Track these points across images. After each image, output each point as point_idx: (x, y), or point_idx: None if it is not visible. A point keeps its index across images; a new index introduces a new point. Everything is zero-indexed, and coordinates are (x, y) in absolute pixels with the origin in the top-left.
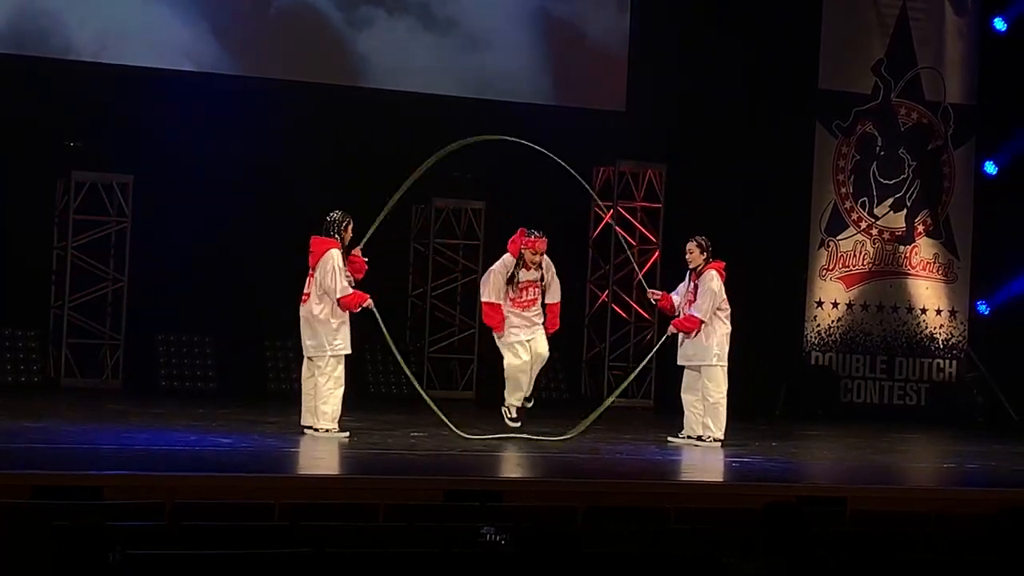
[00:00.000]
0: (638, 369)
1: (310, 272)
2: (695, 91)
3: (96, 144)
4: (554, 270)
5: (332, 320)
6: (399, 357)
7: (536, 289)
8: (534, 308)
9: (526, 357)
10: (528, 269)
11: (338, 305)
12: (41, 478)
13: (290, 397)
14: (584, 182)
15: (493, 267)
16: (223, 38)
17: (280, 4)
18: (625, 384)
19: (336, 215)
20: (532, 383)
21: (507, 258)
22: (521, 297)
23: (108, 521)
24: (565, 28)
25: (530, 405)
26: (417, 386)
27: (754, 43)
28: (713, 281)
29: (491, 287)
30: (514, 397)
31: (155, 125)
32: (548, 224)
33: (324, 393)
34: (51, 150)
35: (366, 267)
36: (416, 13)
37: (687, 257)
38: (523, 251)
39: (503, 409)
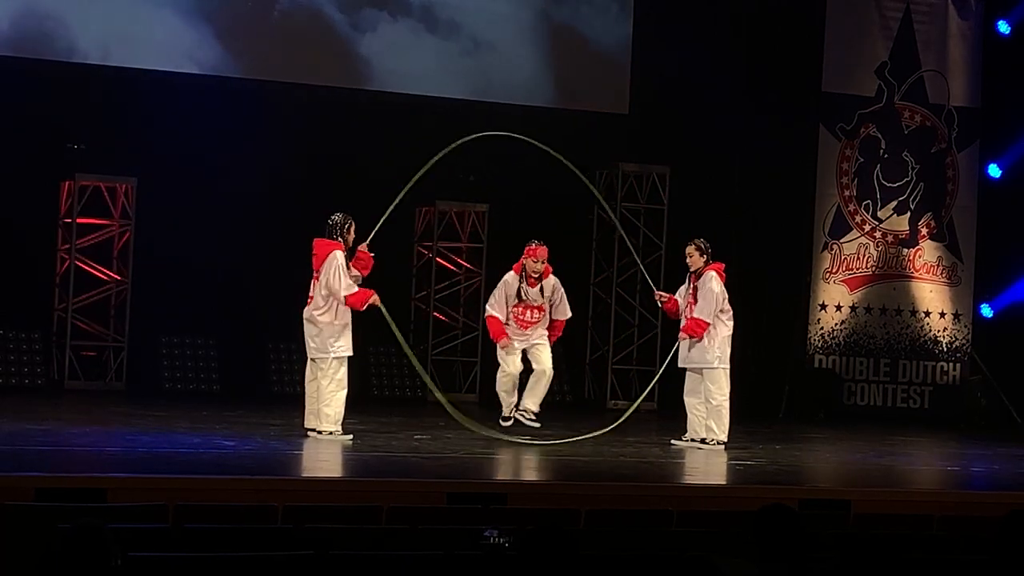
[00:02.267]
0: (659, 373)
1: (314, 275)
2: (698, 93)
3: (100, 147)
4: (563, 291)
5: (335, 323)
6: (413, 360)
7: (540, 312)
8: (533, 329)
9: (512, 369)
10: (532, 285)
11: (344, 304)
12: (44, 480)
13: (293, 399)
14: (588, 183)
15: (497, 286)
16: (226, 41)
17: (283, 7)
18: (648, 389)
19: (338, 217)
20: (539, 394)
21: (509, 276)
22: (524, 316)
23: (111, 523)
24: (567, 31)
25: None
26: (434, 389)
27: (757, 45)
28: (713, 282)
29: (492, 301)
30: (505, 406)
31: (159, 128)
32: (551, 226)
33: (326, 396)
34: (55, 153)
35: (373, 262)
36: (419, 16)
37: (687, 260)
38: (524, 263)
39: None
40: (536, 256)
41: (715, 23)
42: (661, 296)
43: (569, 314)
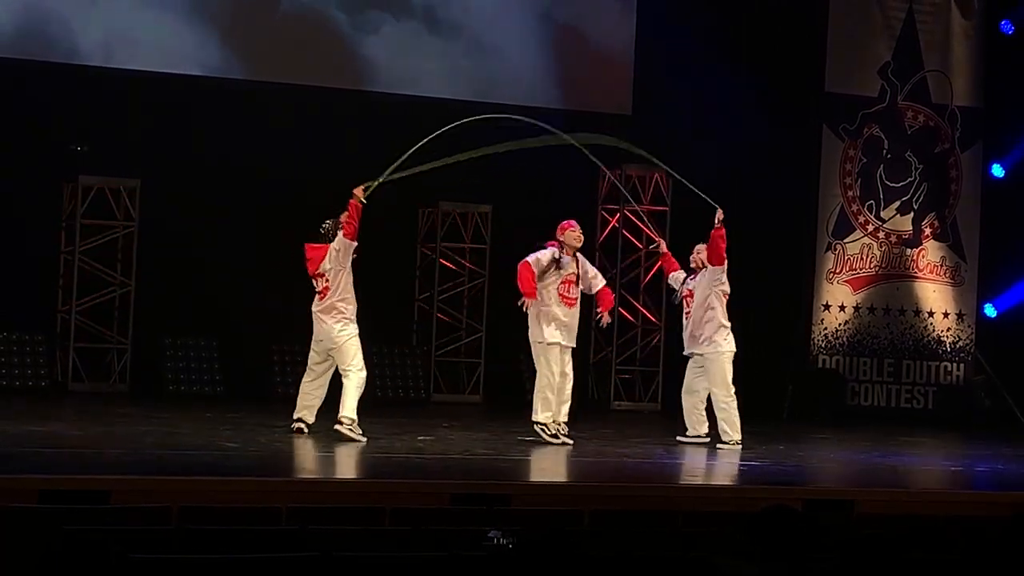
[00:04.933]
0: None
1: (319, 276)
2: (700, 94)
3: (103, 148)
4: (588, 263)
5: (345, 310)
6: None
7: (575, 288)
8: (575, 308)
9: (558, 370)
10: (569, 254)
11: (351, 239)
12: (47, 482)
13: (296, 400)
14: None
15: (536, 255)
16: (230, 42)
17: (286, 8)
18: None
19: (329, 224)
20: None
21: (545, 253)
22: (568, 292)
23: (114, 525)
24: (570, 32)
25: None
26: None
27: (760, 46)
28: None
29: (533, 261)
30: (544, 415)
31: (162, 129)
32: (553, 228)
33: (350, 387)
34: (58, 154)
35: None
36: (422, 17)
37: (694, 256)
38: (563, 239)
39: (537, 429)
40: (573, 227)
41: (718, 24)
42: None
43: (604, 282)
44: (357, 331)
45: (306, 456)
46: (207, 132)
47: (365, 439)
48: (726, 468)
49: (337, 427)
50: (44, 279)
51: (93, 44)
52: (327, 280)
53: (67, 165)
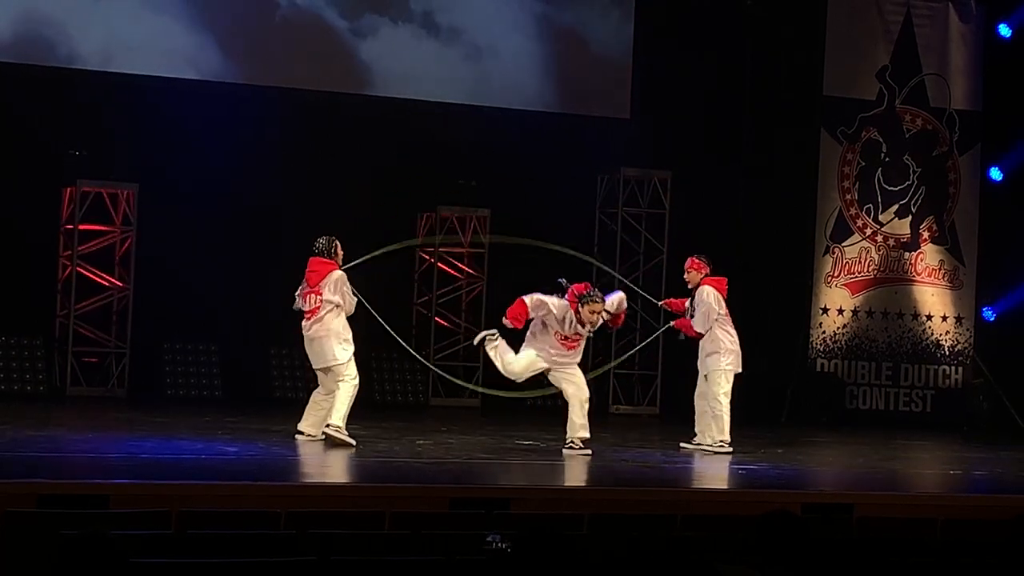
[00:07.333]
0: (648, 340)
1: (310, 290)
2: (699, 97)
3: (101, 153)
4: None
5: (342, 329)
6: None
7: (583, 341)
8: (575, 352)
9: (518, 372)
10: (583, 325)
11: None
12: (46, 487)
13: (295, 404)
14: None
15: (546, 300)
16: (228, 47)
17: (285, 13)
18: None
19: (323, 241)
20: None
21: (562, 304)
22: (568, 339)
23: (113, 530)
24: (569, 36)
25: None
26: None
27: (759, 50)
28: (706, 295)
29: (533, 303)
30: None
31: (160, 134)
32: (552, 231)
33: (343, 396)
34: (56, 159)
35: None
36: (420, 21)
37: (685, 277)
38: (581, 309)
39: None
40: (596, 311)
41: (716, 27)
42: (667, 304)
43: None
44: (352, 349)
45: (305, 460)
46: (205, 136)
47: (354, 443)
48: (725, 472)
49: (325, 430)
50: (42, 284)
51: (91, 49)
52: (315, 302)
53: (65, 170)
